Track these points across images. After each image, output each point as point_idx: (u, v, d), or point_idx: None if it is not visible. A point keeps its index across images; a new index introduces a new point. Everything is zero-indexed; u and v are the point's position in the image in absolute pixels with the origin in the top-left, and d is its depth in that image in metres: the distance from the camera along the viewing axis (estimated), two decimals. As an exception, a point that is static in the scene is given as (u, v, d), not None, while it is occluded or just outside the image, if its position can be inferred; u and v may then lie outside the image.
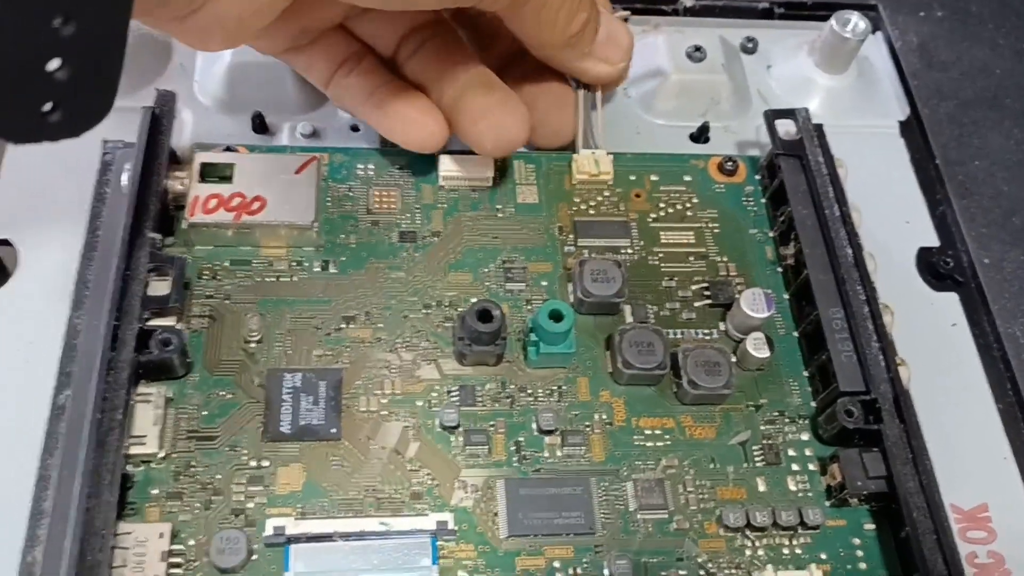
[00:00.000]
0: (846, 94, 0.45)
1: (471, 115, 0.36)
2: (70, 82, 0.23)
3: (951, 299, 0.41)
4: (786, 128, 0.40)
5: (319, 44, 0.37)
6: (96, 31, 0.23)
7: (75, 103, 0.24)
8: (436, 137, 0.36)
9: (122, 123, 0.37)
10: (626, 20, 0.41)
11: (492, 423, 0.34)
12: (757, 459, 0.34)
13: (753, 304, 0.36)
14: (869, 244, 0.40)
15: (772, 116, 0.40)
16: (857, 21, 0.43)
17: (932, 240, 0.42)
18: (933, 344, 0.39)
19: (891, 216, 0.42)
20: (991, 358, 0.39)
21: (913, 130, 0.45)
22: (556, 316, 0.34)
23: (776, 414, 0.35)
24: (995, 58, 0.48)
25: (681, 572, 0.32)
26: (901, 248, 0.41)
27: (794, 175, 0.39)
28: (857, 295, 0.36)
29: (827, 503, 0.34)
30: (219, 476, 0.32)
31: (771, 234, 0.39)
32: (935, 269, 0.41)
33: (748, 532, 0.33)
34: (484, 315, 0.34)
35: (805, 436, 0.35)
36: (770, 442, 0.35)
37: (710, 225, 0.39)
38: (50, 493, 0.30)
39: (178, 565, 0.30)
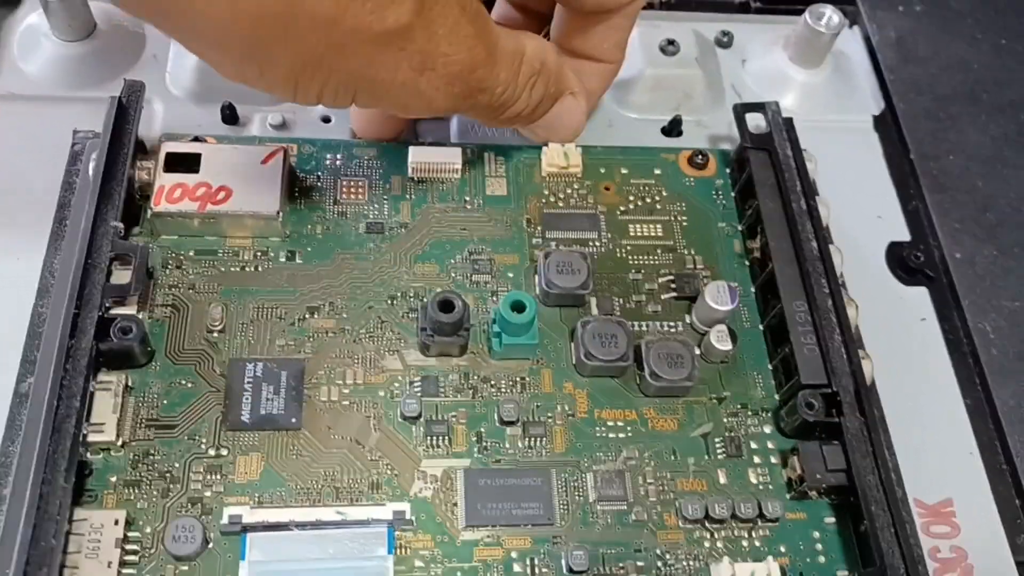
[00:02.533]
0: (821, 88, 0.45)
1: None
2: None
3: (921, 294, 0.41)
4: (756, 122, 0.40)
5: None
6: None
7: None
8: None
9: (95, 113, 0.38)
10: None
11: (454, 414, 0.34)
12: (719, 451, 0.34)
13: (717, 297, 0.35)
14: (839, 238, 0.40)
15: (742, 110, 0.40)
16: (831, 15, 0.43)
17: (903, 235, 0.42)
18: (902, 338, 0.39)
19: (863, 210, 0.42)
20: (960, 353, 0.39)
21: (888, 125, 0.45)
22: (518, 307, 0.34)
23: (739, 407, 0.35)
24: (973, 52, 0.48)
25: (639, 563, 0.32)
26: (872, 242, 0.41)
27: (762, 168, 0.39)
28: (821, 288, 0.35)
29: (787, 496, 0.34)
30: (177, 464, 0.32)
31: (739, 227, 0.39)
32: (905, 263, 0.41)
33: (707, 524, 0.33)
34: (446, 305, 0.34)
35: (767, 429, 0.35)
36: (732, 434, 0.35)
37: (679, 218, 0.39)
38: (9, 480, 0.31)
39: (133, 552, 0.30)
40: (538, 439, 0.34)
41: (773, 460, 0.34)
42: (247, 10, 0.26)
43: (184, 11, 0.26)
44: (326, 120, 0.42)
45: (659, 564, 0.32)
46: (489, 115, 0.35)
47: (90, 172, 0.36)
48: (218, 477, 0.32)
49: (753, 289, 0.38)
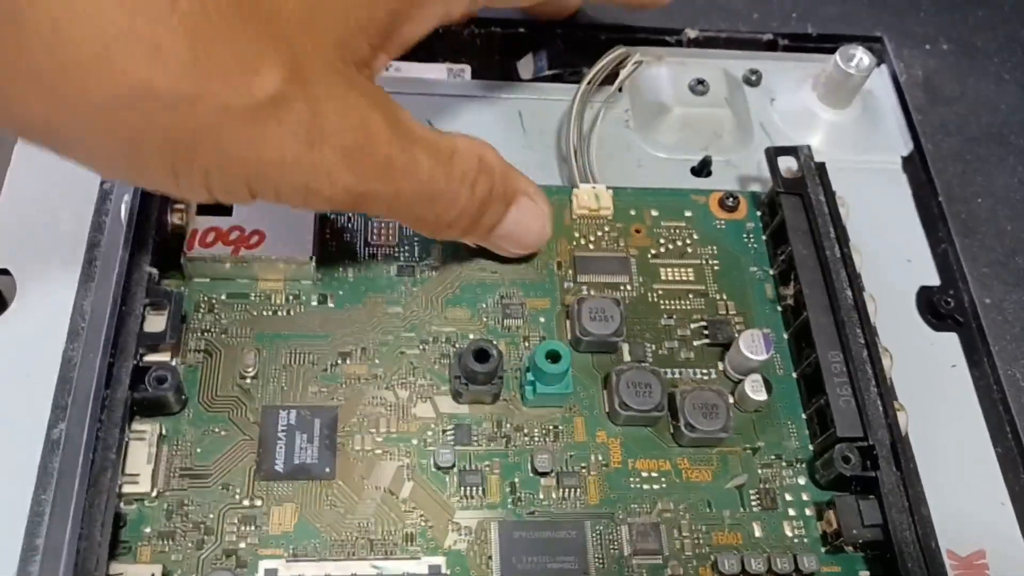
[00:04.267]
0: (849, 128, 0.45)
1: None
2: None
3: (951, 339, 0.40)
4: (787, 165, 0.40)
5: None
6: None
7: None
8: None
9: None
10: (623, 61, 0.41)
11: (487, 463, 0.34)
12: (754, 503, 0.34)
13: (752, 346, 0.35)
14: (870, 283, 0.39)
15: (774, 153, 0.40)
16: (861, 56, 0.43)
17: (933, 279, 0.42)
18: (932, 385, 0.39)
19: (892, 254, 0.42)
20: (990, 400, 0.39)
21: (916, 166, 0.45)
22: (553, 357, 0.34)
23: (773, 457, 0.35)
24: (1000, 93, 0.48)
25: (674, 618, 0.32)
26: (902, 287, 0.41)
27: (795, 213, 0.39)
28: (856, 339, 0.35)
29: (822, 549, 0.33)
30: (211, 515, 0.32)
31: (771, 272, 0.39)
32: (935, 309, 0.41)
33: (743, 579, 0.33)
34: (481, 355, 0.34)
35: (802, 480, 0.35)
36: (767, 486, 0.34)
37: (710, 262, 0.39)
38: (42, 530, 0.30)
39: (169, 606, 0.30)
40: (572, 490, 0.34)
41: (808, 512, 0.34)
42: (95, 99, 0.24)
43: (32, 119, 0.24)
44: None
45: (695, 619, 0.32)
46: (428, 213, 0.32)
47: (122, 215, 0.35)
48: (252, 528, 0.32)
49: (786, 336, 0.38)
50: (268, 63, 0.25)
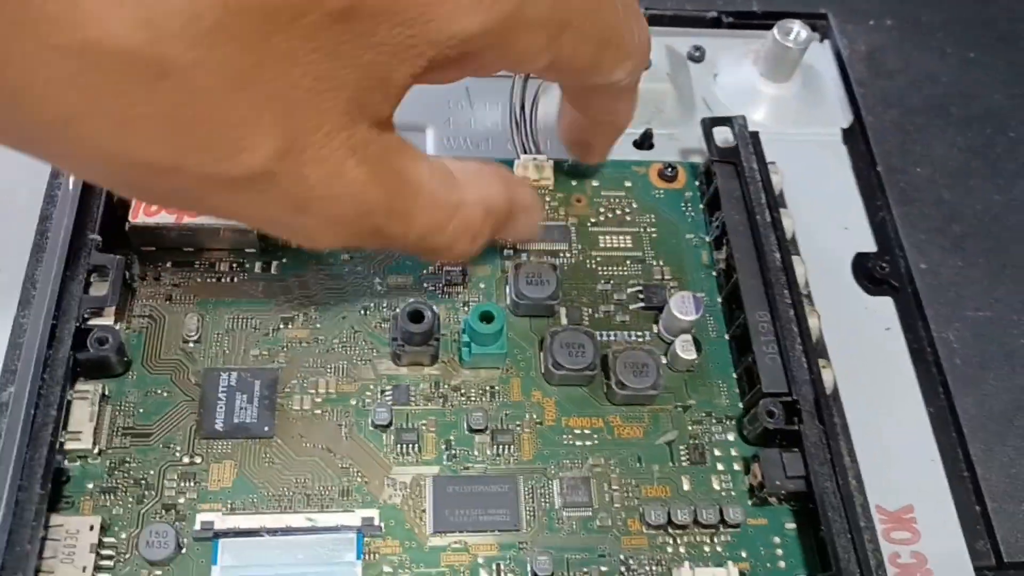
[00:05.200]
0: (791, 102, 0.46)
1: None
2: None
3: (887, 303, 0.41)
4: (724, 136, 0.41)
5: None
6: None
7: None
8: None
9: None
10: None
11: (424, 422, 0.35)
12: (683, 458, 0.35)
13: (682, 307, 0.36)
14: (807, 250, 0.41)
15: (709, 124, 0.41)
16: (799, 30, 0.44)
17: (870, 246, 0.43)
18: (866, 348, 0.40)
19: (830, 222, 0.43)
20: (923, 362, 0.40)
21: (856, 137, 0.46)
22: (487, 317, 0.35)
23: (704, 415, 0.36)
24: (943, 66, 0.49)
25: (602, 568, 0.33)
26: (838, 253, 0.42)
27: (729, 181, 0.40)
28: (784, 299, 0.36)
29: (749, 502, 0.34)
30: (152, 472, 0.33)
31: (707, 239, 0.40)
32: (871, 274, 0.42)
33: (670, 529, 0.33)
34: (415, 315, 0.35)
35: (731, 436, 0.36)
36: (696, 442, 0.35)
37: (648, 230, 0.40)
38: (-12, 488, 0.31)
39: (108, 557, 0.31)
40: (506, 447, 0.35)
41: (736, 467, 0.35)
42: (67, 162, 0.24)
43: (43, 155, 0.25)
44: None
45: (622, 569, 0.33)
46: (421, 256, 0.32)
47: (70, 185, 0.36)
48: (192, 484, 0.33)
49: (719, 299, 0.39)
50: (260, 138, 0.24)
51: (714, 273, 0.39)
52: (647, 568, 0.33)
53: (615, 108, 0.36)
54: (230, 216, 0.27)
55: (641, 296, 0.38)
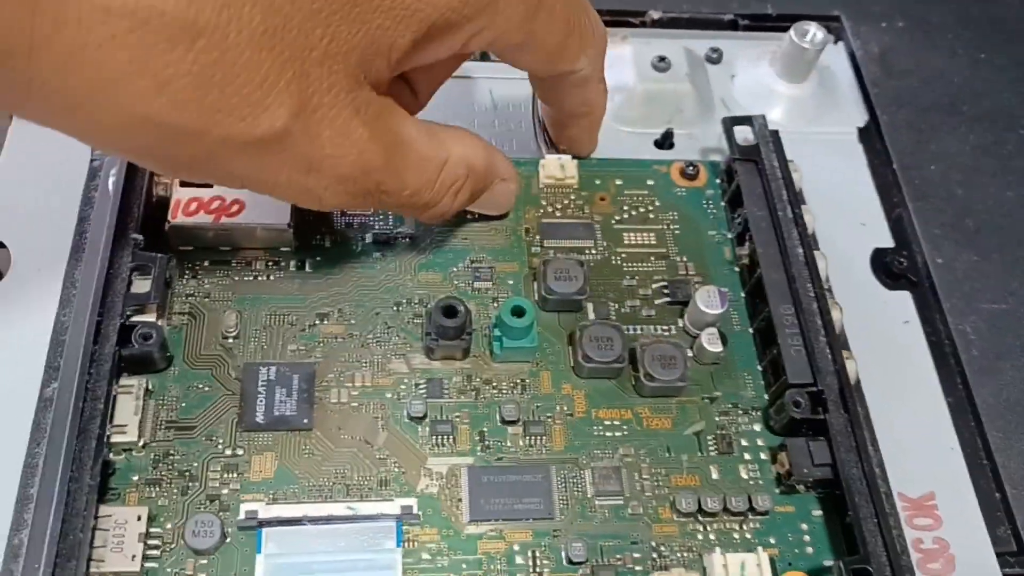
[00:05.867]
0: (807, 102, 0.47)
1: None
2: None
3: (904, 298, 0.42)
4: (744, 134, 0.42)
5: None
6: None
7: None
8: None
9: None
10: None
11: (457, 414, 0.36)
12: (711, 448, 0.36)
13: (708, 301, 0.37)
14: (826, 246, 0.41)
15: (730, 123, 0.42)
16: (815, 32, 0.45)
17: (887, 241, 0.44)
18: (886, 341, 0.41)
19: (848, 218, 0.44)
20: (941, 354, 0.41)
21: (871, 136, 0.47)
22: (518, 312, 0.36)
23: (730, 406, 0.37)
24: (953, 66, 0.50)
25: (635, 555, 0.33)
26: (857, 249, 0.43)
27: (750, 179, 0.41)
28: (807, 292, 0.37)
29: (776, 490, 0.35)
30: (195, 464, 0.33)
31: (729, 235, 0.41)
32: (889, 269, 0.42)
33: (700, 517, 0.34)
34: (449, 311, 0.35)
35: (757, 427, 0.37)
36: (723, 432, 0.36)
37: (671, 227, 0.41)
38: (36, 480, 0.32)
39: (155, 547, 0.32)
40: (538, 437, 0.35)
41: (763, 456, 0.36)
42: (102, 125, 0.25)
43: (60, 124, 0.26)
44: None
45: (654, 555, 0.33)
46: (409, 213, 0.35)
47: (110, 187, 0.37)
48: (234, 475, 0.33)
49: (743, 294, 0.40)
50: (278, 99, 0.26)
51: (736, 268, 0.40)
52: (679, 554, 0.34)
53: (586, 99, 0.39)
54: (243, 182, 0.29)
55: (666, 291, 0.39)
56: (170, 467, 0.33)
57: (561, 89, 0.38)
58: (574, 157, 0.42)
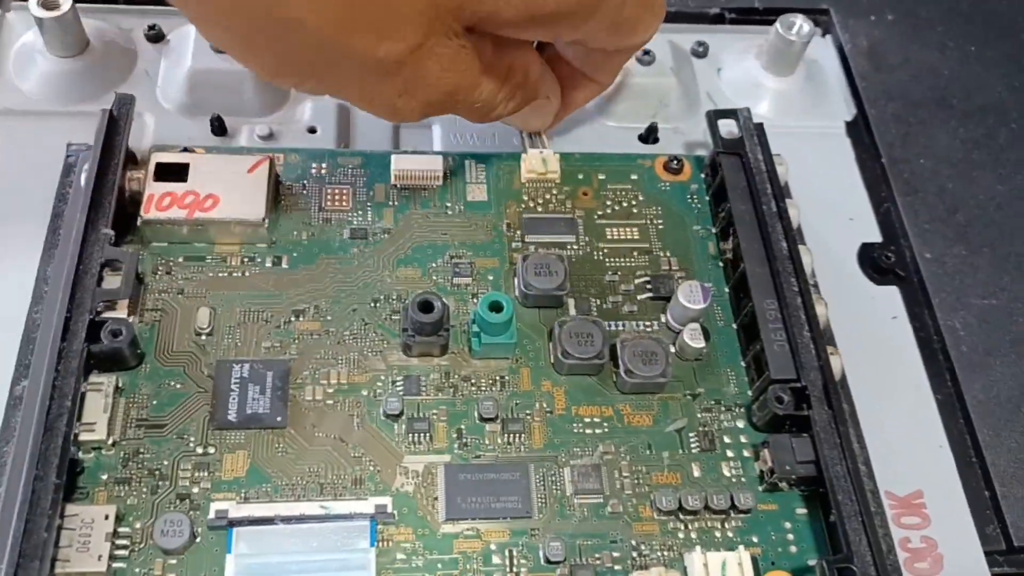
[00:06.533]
0: (794, 96, 0.46)
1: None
2: None
3: (892, 292, 0.42)
4: (728, 128, 0.41)
5: None
6: None
7: None
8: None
9: (88, 127, 0.39)
10: None
11: (435, 411, 0.35)
12: (693, 445, 0.35)
13: (690, 296, 0.37)
14: (812, 240, 0.41)
15: (714, 116, 0.41)
16: (801, 24, 0.45)
17: (875, 236, 0.43)
18: (874, 336, 0.40)
19: (836, 213, 0.43)
20: (930, 350, 0.40)
21: (859, 130, 0.46)
22: (496, 307, 0.35)
23: (713, 402, 0.36)
24: (943, 60, 0.49)
25: (614, 554, 0.33)
26: (844, 244, 0.43)
27: (734, 172, 0.40)
28: (791, 287, 0.37)
29: (759, 488, 0.34)
30: (166, 462, 0.33)
31: (713, 230, 0.40)
32: (877, 264, 0.42)
33: (681, 515, 0.34)
34: (426, 306, 0.35)
35: (740, 423, 0.36)
36: (706, 429, 0.36)
37: (655, 222, 0.41)
38: (4, 479, 0.31)
39: (124, 546, 0.31)
40: (517, 435, 0.35)
41: (745, 453, 0.35)
42: (257, 23, 0.28)
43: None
44: (312, 131, 0.43)
45: (634, 555, 0.33)
46: (462, 116, 0.36)
47: (82, 182, 0.37)
48: (206, 474, 0.33)
49: (727, 289, 0.39)
50: (406, 30, 0.29)
51: (720, 263, 0.40)
52: (659, 553, 0.33)
53: (618, 68, 0.40)
54: (340, 91, 0.32)
55: (649, 286, 0.39)
56: (140, 466, 0.33)
57: (611, 59, 0.38)
58: (531, 137, 0.42)
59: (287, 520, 0.32)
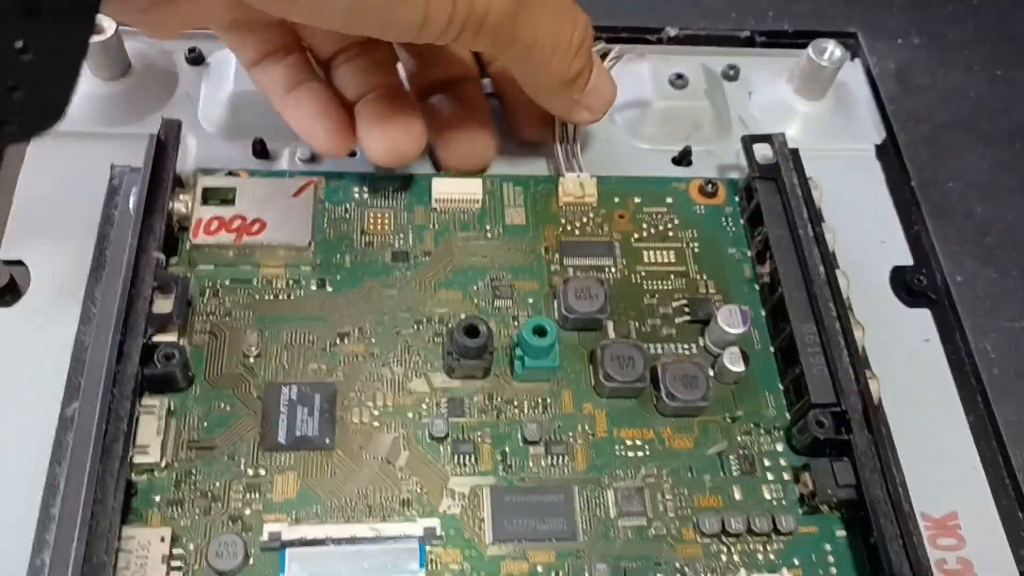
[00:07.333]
0: (825, 119, 0.47)
1: (368, 120, 0.37)
2: (25, 101, 0.24)
3: (924, 315, 0.42)
4: (763, 152, 0.42)
5: (256, 30, 0.37)
6: (54, 58, 0.24)
7: (28, 120, 0.24)
8: (338, 143, 0.38)
9: (130, 149, 0.40)
10: (605, 56, 0.43)
11: (479, 433, 0.36)
12: (733, 468, 0.36)
13: (729, 320, 0.37)
14: (845, 263, 0.41)
15: (750, 141, 0.42)
16: (833, 49, 0.45)
17: (906, 259, 0.44)
18: (906, 359, 0.41)
19: (867, 236, 0.44)
20: (962, 372, 0.41)
21: (889, 153, 0.47)
22: (540, 331, 0.36)
23: (752, 426, 0.37)
24: (970, 82, 0.50)
25: (659, 576, 0.33)
26: (876, 266, 0.43)
27: (770, 197, 0.40)
28: (829, 311, 0.37)
29: (800, 511, 0.35)
30: (217, 484, 0.33)
31: (749, 253, 0.41)
32: (909, 287, 0.42)
33: (723, 538, 0.34)
34: (471, 330, 0.35)
35: (780, 447, 0.36)
36: (745, 452, 0.36)
37: (691, 245, 0.41)
38: (58, 500, 0.32)
39: (178, 568, 0.32)
40: (560, 457, 0.35)
41: (786, 476, 0.36)
42: None
43: None
44: (352, 154, 0.44)
45: (678, 576, 0.33)
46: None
47: (131, 205, 0.37)
48: (257, 495, 0.33)
49: (763, 312, 0.40)
50: None
51: (756, 287, 0.40)
52: (703, 575, 0.33)
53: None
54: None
55: (687, 309, 0.39)
56: (192, 487, 0.33)
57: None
58: (567, 159, 0.42)
59: (338, 542, 0.32)
